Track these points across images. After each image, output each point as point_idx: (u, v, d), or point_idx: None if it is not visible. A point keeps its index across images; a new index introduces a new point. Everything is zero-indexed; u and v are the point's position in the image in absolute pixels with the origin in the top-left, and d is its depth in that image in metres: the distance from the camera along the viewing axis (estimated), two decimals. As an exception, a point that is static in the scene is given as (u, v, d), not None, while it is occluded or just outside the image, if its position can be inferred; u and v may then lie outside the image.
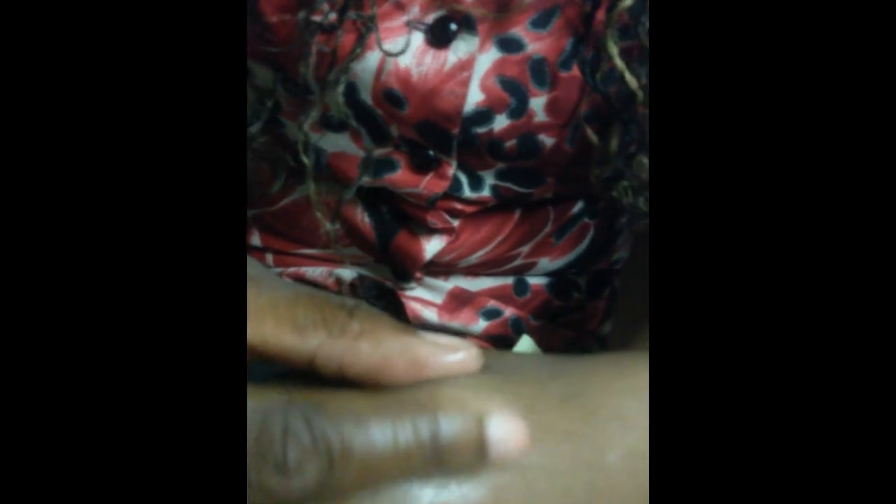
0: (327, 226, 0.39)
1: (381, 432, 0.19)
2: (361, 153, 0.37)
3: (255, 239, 0.47)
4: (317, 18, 0.32)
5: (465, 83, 0.34)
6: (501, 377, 0.22)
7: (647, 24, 0.32)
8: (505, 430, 0.20)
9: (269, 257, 0.47)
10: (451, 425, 0.20)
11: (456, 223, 0.41)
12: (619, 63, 0.32)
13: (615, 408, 0.22)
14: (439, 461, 0.20)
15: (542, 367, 0.23)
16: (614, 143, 0.34)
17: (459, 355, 0.21)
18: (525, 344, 0.42)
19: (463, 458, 0.20)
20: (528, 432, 0.20)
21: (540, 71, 0.34)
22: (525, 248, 0.44)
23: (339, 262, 0.46)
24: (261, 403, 0.19)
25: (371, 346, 0.20)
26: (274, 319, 0.21)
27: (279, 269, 0.47)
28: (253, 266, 0.23)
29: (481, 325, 0.46)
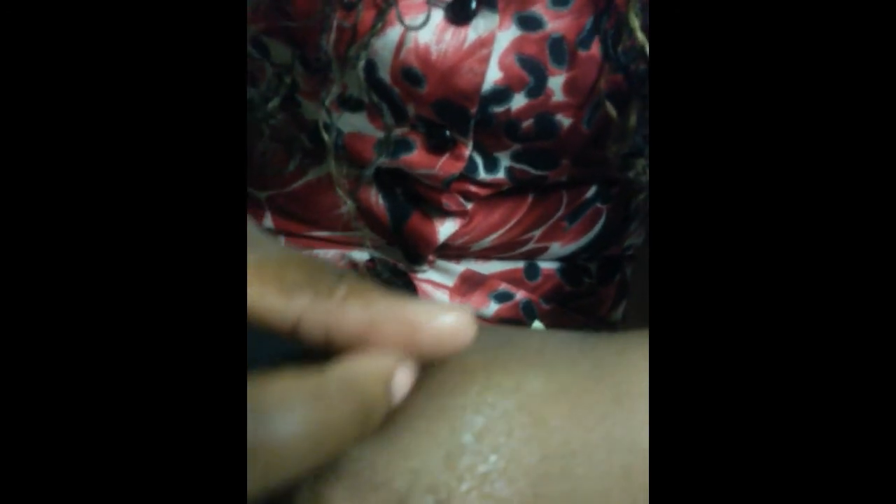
0: (347, 200, 0.39)
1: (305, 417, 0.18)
2: (377, 134, 0.37)
3: (268, 221, 0.47)
4: None
5: (485, 61, 0.34)
6: (534, 352, 0.22)
7: None
8: (400, 380, 0.19)
9: (282, 240, 0.47)
10: (368, 390, 0.19)
11: (469, 206, 0.41)
12: (641, 36, 0.32)
13: (646, 388, 0.21)
14: (370, 423, 0.19)
15: (571, 345, 0.23)
16: (633, 120, 0.34)
17: (451, 317, 0.20)
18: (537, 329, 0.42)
19: (378, 391, 0.19)
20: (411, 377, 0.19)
21: (559, 50, 0.34)
22: (537, 233, 0.44)
23: (352, 244, 0.46)
24: None
25: (360, 307, 0.19)
26: (259, 280, 0.19)
27: (291, 252, 0.47)
28: (251, 229, 0.22)
29: (493, 307, 0.46)
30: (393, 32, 0.34)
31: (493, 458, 0.20)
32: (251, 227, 0.21)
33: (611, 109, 0.34)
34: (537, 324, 0.43)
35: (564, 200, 0.43)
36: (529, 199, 0.42)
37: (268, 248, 0.21)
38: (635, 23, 0.32)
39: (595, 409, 0.21)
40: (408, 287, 0.46)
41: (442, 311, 0.19)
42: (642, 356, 0.23)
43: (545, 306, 0.47)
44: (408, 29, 0.33)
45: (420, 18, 0.33)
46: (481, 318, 0.47)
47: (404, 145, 0.38)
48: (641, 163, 0.35)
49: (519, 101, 0.35)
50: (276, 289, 0.19)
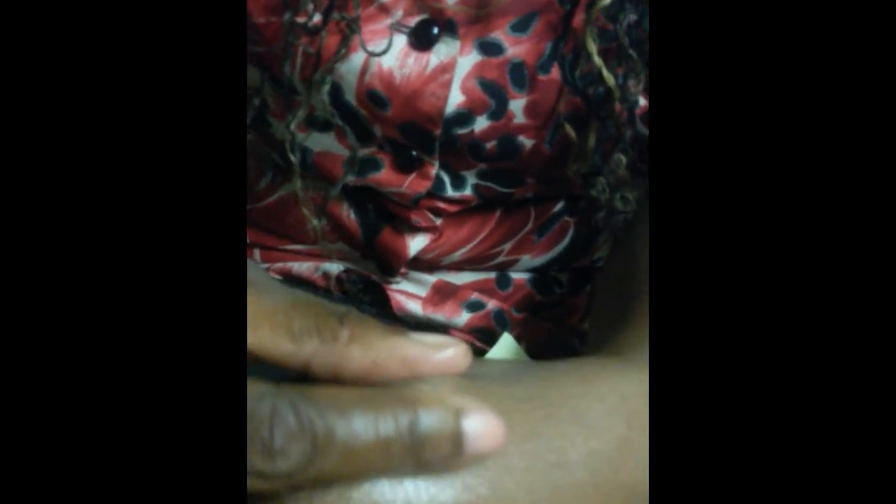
0: (314, 222, 0.40)
1: (363, 422, 0.20)
2: (346, 152, 0.38)
3: (243, 234, 0.47)
4: (301, 20, 0.33)
5: (447, 85, 0.35)
6: (471, 378, 0.23)
7: (625, 24, 0.33)
8: (481, 425, 0.21)
9: (257, 253, 0.48)
10: (429, 419, 0.21)
11: (439, 221, 0.42)
12: (598, 60, 0.33)
13: (574, 410, 0.23)
14: (417, 453, 0.21)
15: (510, 371, 0.24)
16: (592, 140, 0.35)
17: (449, 352, 0.22)
18: (506, 342, 0.43)
19: (440, 451, 0.21)
20: (503, 429, 0.21)
21: (519, 74, 0.35)
22: (507, 246, 0.45)
23: (326, 257, 0.47)
24: (251, 389, 0.20)
25: (361, 350, 0.21)
26: (271, 327, 0.22)
27: (266, 265, 0.48)
28: (252, 269, 0.24)
29: (465, 317, 0.47)
30: (357, 57, 0.34)
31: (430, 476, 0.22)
32: (253, 268, 0.23)
33: (570, 131, 0.35)
34: (506, 336, 0.44)
35: (533, 215, 0.44)
36: (498, 214, 0.43)
37: (273, 291, 0.23)
38: (592, 47, 0.33)
39: (522, 428, 0.23)
40: (381, 297, 0.47)
41: (438, 347, 0.22)
42: (575, 381, 0.25)
43: (517, 315, 0.48)
44: (370, 55, 0.34)
45: (383, 45, 0.34)
46: (453, 328, 0.48)
47: (373, 164, 0.39)
48: (601, 181, 0.36)
49: (482, 124, 0.36)
50: (286, 335, 0.21)
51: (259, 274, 0.24)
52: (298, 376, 0.22)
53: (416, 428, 0.21)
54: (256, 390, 0.20)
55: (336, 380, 0.21)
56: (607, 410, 0.23)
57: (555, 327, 0.49)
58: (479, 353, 0.46)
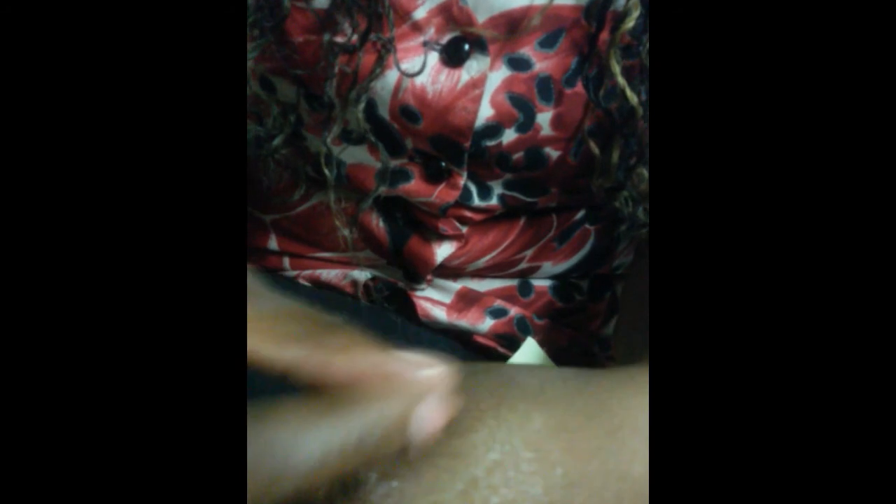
0: (345, 232, 0.41)
1: (313, 438, 0.20)
2: (378, 164, 0.40)
3: (273, 243, 0.49)
4: (339, 40, 0.35)
5: (477, 100, 0.36)
6: (535, 392, 0.24)
7: (648, 44, 0.34)
8: (426, 415, 0.21)
9: (286, 261, 0.49)
10: (385, 413, 0.21)
11: (465, 230, 0.44)
12: (621, 80, 0.34)
13: (636, 422, 0.24)
14: (372, 457, 0.21)
15: (568, 383, 0.25)
16: (615, 156, 0.37)
17: (431, 371, 0.21)
18: (530, 346, 0.44)
19: (392, 447, 0.21)
20: (446, 415, 0.21)
21: (546, 88, 0.37)
22: (529, 253, 0.46)
23: (354, 264, 0.48)
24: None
25: (346, 361, 0.21)
26: (257, 332, 0.21)
27: (295, 272, 0.49)
28: (255, 282, 0.24)
29: (488, 323, 0.49)
30: (391, 74, 0.36)
31: (503, 490, 0.22)
32: (255, 278, 0.24)
33: (594, 147, 0.37)
34: (530, 341, 0.45)
35: (555, 223, 0.45)
36: (521, 222, 0.45)
37: (267, 300, 0.22)
38: (616, 67, 0.34)
39: (590, 443, 0.24)
40: (407, 303, 0.48)
41: (422, 365, 0.21)
42: (633, 393, 0.25)
43: (538, 321, 0.50)
44: (405, 75, 0.35)
45: (417, 64, 0.35)
46: (477, 334, 0.49)
47: (403, 175, 0.41)
48: (624, 194, 0.37)
49: (510, 136, 0.38)
50: (270, 340, 0.21)
51: (256, 282, 0.24)
52: (276, 382, 0.21)
53: (365, 435, 0.20)
54: None
55: (315, 389, 0.21)
56: None
57: (576, 333, 0.51)
58: (502, 358, 0.47)
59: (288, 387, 0.21)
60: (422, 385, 0.21)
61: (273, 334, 0.21)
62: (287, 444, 0.20)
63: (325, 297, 0.49)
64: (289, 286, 0.49)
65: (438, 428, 0.21)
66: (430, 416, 0.21)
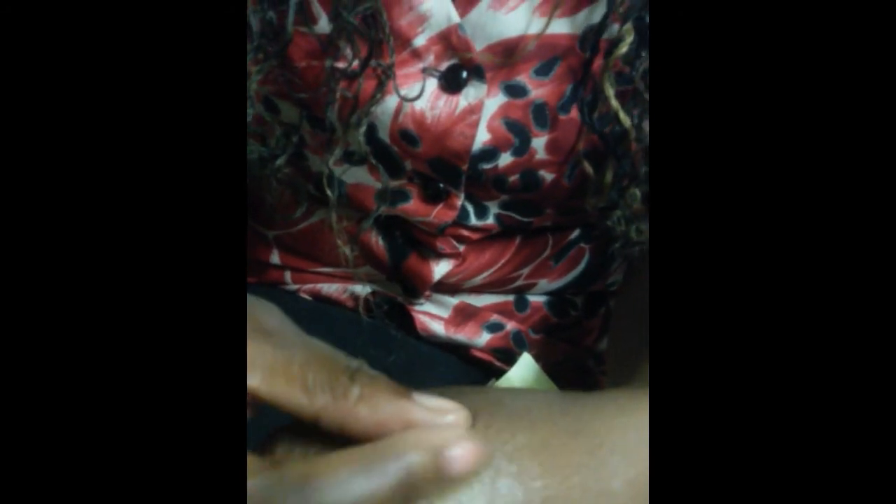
0: (345, 250, 0.43)
1: (356, 483, 0.22)
2: (378, 185, 0.41)
3: (275, 258, 0.50)
4: (341, 66, 0.36)
5: (474, 125, 0.38)
6: (522, 412, 0.25)
7: (641, 70, 0.35)
8: (459, 453, 0.23)
9: (288, 275, 0.50)
10: (415, 461, 0.23)
11: (462, 248, 0.45)
12: (615, 103, 0.35)
13: (616, 441, 0.25)
14: (414, 494, 0.23)
15: (553, 406, 0.26)
16: (609, 177, 0.38)
17: (451, 418, 0.24)
18: (525, 361, 0.46)
19: (430, 485, 0.23)
20: (479, 451, 0.23)
21: (542, 114, 0.38)
22: (525, 271, 0.47)
23: (354, 279, 0.49)
24: (259, 482, 0.22)
25: (369, 410, 0.23)
26: (286, 379, 0.24)
27: (297, 286, 0.51)
28: (272, 315, 0.26)
29: (485, 337, 0.50)
30: (391, 100, 0.37)
31: (480, 500, 0.24)
32: (273, 315, 0.25)
33: (588, 168, 0.38)
34: (526, 356, 0.46)
35: (550, 242, 0.47)
36: (517, 241, 0.46)
37: (289, 343, 0.25)
38: (610, 91, 0.35)
39: (571, 459, 0.25)
40: (406, 317, 0.49)
41: (441, 412, 0.24)
42: (615, 413, 0.27)
43: (534, 336, 0.51)
44: (404, 100, 0.36)
45: (416, 89, 0.36)
46: (474, 348, 0.50)
47: (402, 195, 0.42)
48: (618, 213, 0.38)
49: (506, 160, 0.39)
50: (300, 388, 0.24)
51: (276, 319, 0.26)
52: (307, 426, 0.24)
53: (405, 475, 0.23)
54: (263, 483, 0.22)
55: (342, 435, 0.24)
56: (643, 440, 0.25)
57: (571, 348, 0.52)
58: (498, 372, 0.48)
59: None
60: (444, 433, 0.23)
61: (303, 382, 0.24)
62: (322, 497, 0.22)
63: (335, 315, 0.50)
64: (299, 308, 0.50)
65: (465, 473, 0.23)
66: (455, 463, 0.23)
